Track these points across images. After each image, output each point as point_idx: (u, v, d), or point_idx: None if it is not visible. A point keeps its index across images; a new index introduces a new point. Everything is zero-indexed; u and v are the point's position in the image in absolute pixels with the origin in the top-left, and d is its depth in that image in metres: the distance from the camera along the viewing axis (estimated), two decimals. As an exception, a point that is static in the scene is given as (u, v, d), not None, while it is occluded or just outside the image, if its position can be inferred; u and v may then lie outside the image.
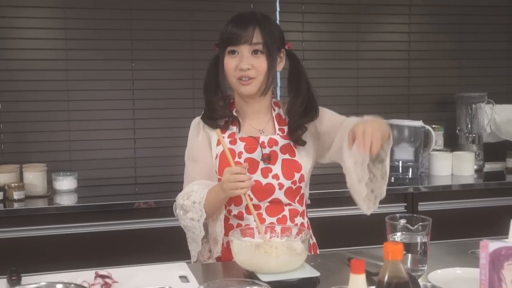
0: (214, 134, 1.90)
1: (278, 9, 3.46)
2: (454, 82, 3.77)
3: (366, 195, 1.78)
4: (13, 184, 2.81)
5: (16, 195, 2.79)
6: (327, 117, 1.94)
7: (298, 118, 1.89)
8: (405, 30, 3.71)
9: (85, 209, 2.78)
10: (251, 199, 1.83)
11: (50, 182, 3.02)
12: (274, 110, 1.96)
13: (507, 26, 3.84)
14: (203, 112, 1.95)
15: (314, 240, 2.02)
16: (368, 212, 1.83)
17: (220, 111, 1.91)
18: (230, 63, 1.84)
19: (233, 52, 1.84)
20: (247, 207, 1.84)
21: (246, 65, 1.81)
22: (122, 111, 3.30)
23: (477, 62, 3.80)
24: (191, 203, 1.81)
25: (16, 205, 2.76)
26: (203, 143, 1.92)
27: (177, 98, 3.35)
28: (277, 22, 3.43)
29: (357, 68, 3.63)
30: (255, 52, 1.82)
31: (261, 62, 1.82)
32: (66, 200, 2.91)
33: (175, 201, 1.92)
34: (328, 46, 3.55)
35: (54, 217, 2.72)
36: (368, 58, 3.65)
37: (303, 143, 1.90)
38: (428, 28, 3.73)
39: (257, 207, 1.85)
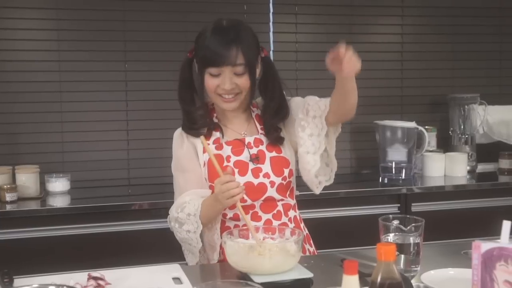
0: (199, 142, 1.90)
1: (271, 10, 3.46)
2: (447, 83, 3.78)
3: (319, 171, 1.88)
4: (5, 186, 2.80)
5: (9, 196, 2.78)
6: (291, 106, 1.96)
7: (270, 118, 1.92)
8: (398, 32, 3.72)
9: (78, 210, 2.78)
10: (245, 201, 1.85)
11: (42, 183, 3.01)
12: (253, 111, 1.98)
13: (499, 27, 3.86)
14: (182, 123, 1.95)
15: (307, 231, 2.04)
16: (317, 191, 1.94)
17: (200, 121, 1.91)
18: (211, 83, 1.83)
19: (214, 72, 1.82)
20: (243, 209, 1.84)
21: (229, 85, 1.82)
22: (116, 112, 3.29)
23: (469, 64, 3.82)
24: (186, 215, 1.82)
25: (8, 207, 2.75)
26: (189, 153, 1.92)
27: (170, 100, 3.30)
28: (270, 23, 3.44)
29: (350, 69, 3.64)
30: (237, 71, 1.81)
31: (244, 80, 1.83)
32: (59, 202, 2.91)
33: (168, 214, 1.94)
34: (321, 47, 3.51)
35: (47, 218, 2.72)
36: (361, 59, 3.64)
37: (281, 141, 1.93)
38: (421, 30, 3.75)
39: (251, 206, 1.87)
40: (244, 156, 1.88)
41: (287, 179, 1.90)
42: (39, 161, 3.09)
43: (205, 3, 3.36)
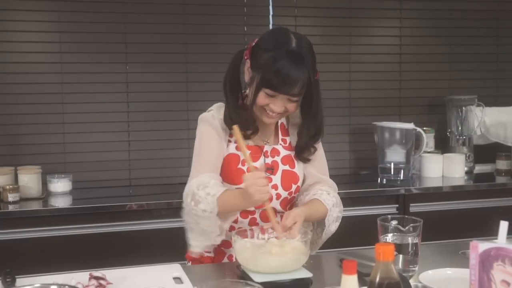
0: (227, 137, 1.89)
1: (271, 13, 3.48)
2: (444, 85, 3.80)
3: None
4: (8, 186, 2.82)
5: (11, 197, 2.80)
6: (317, 161, 1.96)
7: (308, 139, 1.91)
8: (396, 34, 3.73)
9: (80, 211, 2.79)
10: (271, 200, 1.85)
11: (44, 184, 3.03)
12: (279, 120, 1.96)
13: (496, 30, 3.87)
14: (223, 112, 1.89)
15: None
16: None
17: (242, 114, 1.86)
18: (263, 101, 1.79)
19: (271, 94, 1.79)
20: (242, 212, 1.85)
21: (280, 109, 1.80)
22: (117, 114, 3.30)
23: (467, 66, 3.84)
24: (205, 194, 1.74)
25: (11, 207, 2.76)
26: (219, 137, 1.87)
27: (171, 101, 3.36)
28: (270, 26, 3.45)
29: (349, 71, 3.66)
30: (292, 98, 1.79)
31: (295, 106, 1.82)
32: (61, 202, 2.92)
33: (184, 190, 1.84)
34: (320, 49, 3.52)
35: (48, 219, 2.73)
36: (360, 61, 3.67)
37: (308, 161, 1.94)
38: (419, 32, 3.76)
39: (251, 212, 1.88)
40: (259, 164, 1.85)
41: (293, 195, 1.91)
42: (41, 162, 3.11)
43: (205, 5, 3.37)
